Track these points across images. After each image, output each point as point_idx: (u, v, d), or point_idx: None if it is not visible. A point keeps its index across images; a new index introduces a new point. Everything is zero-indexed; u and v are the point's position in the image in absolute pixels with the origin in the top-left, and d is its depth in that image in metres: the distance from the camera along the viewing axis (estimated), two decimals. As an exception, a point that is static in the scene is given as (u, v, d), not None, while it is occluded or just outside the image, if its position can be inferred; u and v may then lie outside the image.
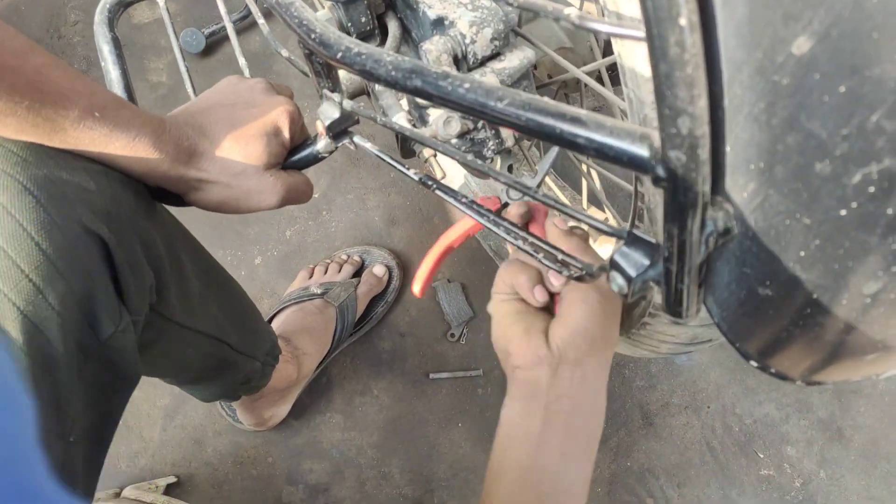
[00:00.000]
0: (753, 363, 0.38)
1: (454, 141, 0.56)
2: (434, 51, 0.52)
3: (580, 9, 0.67)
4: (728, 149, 0.29)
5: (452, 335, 1.05)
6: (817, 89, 0.25)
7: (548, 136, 0.32)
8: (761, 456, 1.00)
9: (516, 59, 0.54)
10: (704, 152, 0.28)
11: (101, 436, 0.51)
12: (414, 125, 0.59)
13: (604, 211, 0.80)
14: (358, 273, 1.05)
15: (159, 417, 1.02)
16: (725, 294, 0.35)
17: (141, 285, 0.48)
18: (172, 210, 0.58)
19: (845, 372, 0.36)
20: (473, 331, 1.06)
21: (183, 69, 0.68)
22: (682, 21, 0.25)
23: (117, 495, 0.88)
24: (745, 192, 0.30)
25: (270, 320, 0.99)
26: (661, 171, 0.29)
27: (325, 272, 1.03)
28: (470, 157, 0.49)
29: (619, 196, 1.09)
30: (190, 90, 0.67)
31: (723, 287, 0.35)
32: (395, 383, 1.04)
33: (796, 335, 0.34)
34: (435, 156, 0.73)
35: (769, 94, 0.26)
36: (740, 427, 1.01)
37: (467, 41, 0.52)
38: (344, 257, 1.06)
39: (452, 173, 0.97)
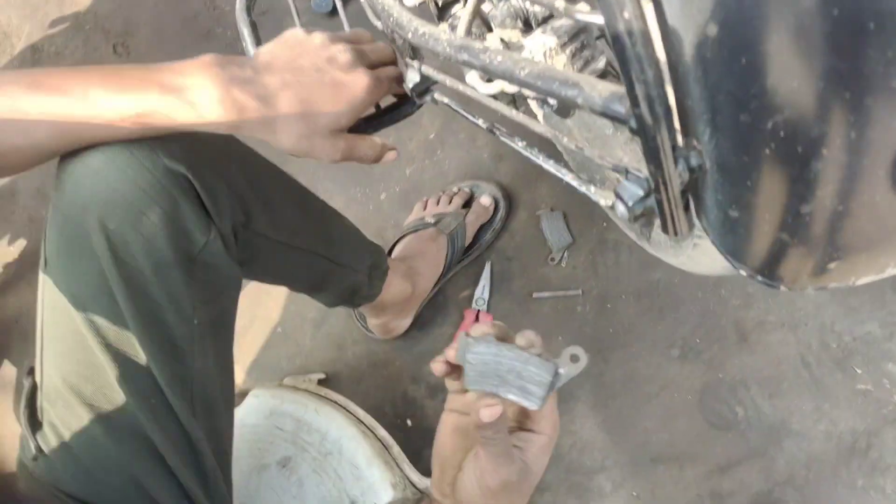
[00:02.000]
0: (742, 272, 0.46)
1: (526, 92, 0.66)
2: (499, 15, 0.61)
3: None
4: (689, 102, 0.38)
5: (553, 259, 1.15)
6: (728, 61, 0.32)
7: (555, 97, 0.42)
8: (859, 371, 1.02)
9: (572, 14, 0.62)
10: (661, 109, 0.37)
11: (222, 327, 0.66)
12: (488, 80, 0.69)
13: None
14: (468, 204, 1.18)
15: (309, 328, 1.24)
16: (711, 217, 0.43)
17: (221, 207, 0.61)
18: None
19: (817, 279, 0.43)
20: (573, 255, 1.16)
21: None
22: (626, 14, 0.34)
23: (279, 384, 1.11)
24: (705, 136, 0.38)
25: (392, 247, 1.15)
26: (633, 124, 0.38)
27: (438, 203, 1.17)
28: (538, 104, 0.59)
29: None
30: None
31: (709, 211, 0.43)
32: (503, 301, 1.17)
33: (765, 247, 0.41)
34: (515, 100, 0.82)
35: (702, 64, 0.34)
36: (838, 344, 1.03)
37: (527, 5, 0.61)
38: (455, 190, 1.18)
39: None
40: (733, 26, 0.31)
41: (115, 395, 0.56)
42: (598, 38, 0.65)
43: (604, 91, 0.39)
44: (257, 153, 0.71)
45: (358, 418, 0.93)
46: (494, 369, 0.48)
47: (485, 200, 1.16)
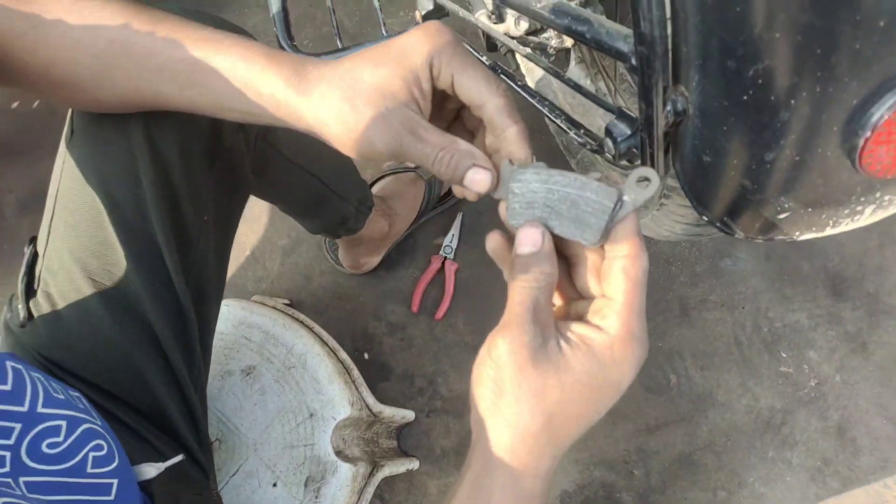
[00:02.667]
0: (705, 218, 0.52)
1: (529, 38, 0.70)
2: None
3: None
4: (685, 49, 0.42)
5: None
6: (725, 8, 0.37)
7: (565, 31, 0.46)
8: (784, 355, 1.11)
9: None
10: (661, 49, 0.41)
11: (227, 225, 0.69)
12: (495, 22, 0.73)
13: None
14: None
15: (278, 254, 1.27)
16: (685, 162, 0.49)
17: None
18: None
19: (767, 230, 0.49)
20: (542, 216, 1.21)
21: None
22: (645, -44, 0.38)
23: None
24: (693, 81, 0.43)
25: (372, 185, 1.18)
26: (634, 61, 0.43)
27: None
28: (536, 53, 0.63)
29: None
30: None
31: (684, 157, 0.49)
32: (470, 253, 1.22)
33: (728, 194, 0.47)
34: (512, 51, 0.86)
35: (702, 11, 0.39)
36: (769, 328, 1.13)
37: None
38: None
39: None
40: (735, -23, 0.36)
41: (120, 273, 0.57)
42: (601, -1, 0.70)
43: (611, 29, 0.44)
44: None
45: (322, 339, 0.97)
46: (544, 199, 0.39)
47: (465, 153, 1.20)
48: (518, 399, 0.37)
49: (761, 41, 0.37)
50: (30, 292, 0.60)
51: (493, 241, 0.44)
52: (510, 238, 0.43)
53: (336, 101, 0.43)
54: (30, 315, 0.59)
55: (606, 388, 0.38)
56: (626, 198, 0.38)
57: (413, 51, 0.42)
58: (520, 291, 0.39)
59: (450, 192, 1.21)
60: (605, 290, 0.39)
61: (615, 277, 0.39)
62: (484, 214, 1.24)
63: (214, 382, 0.91)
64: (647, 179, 0.37)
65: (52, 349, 0.58)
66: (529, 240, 0.40)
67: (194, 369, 0.63)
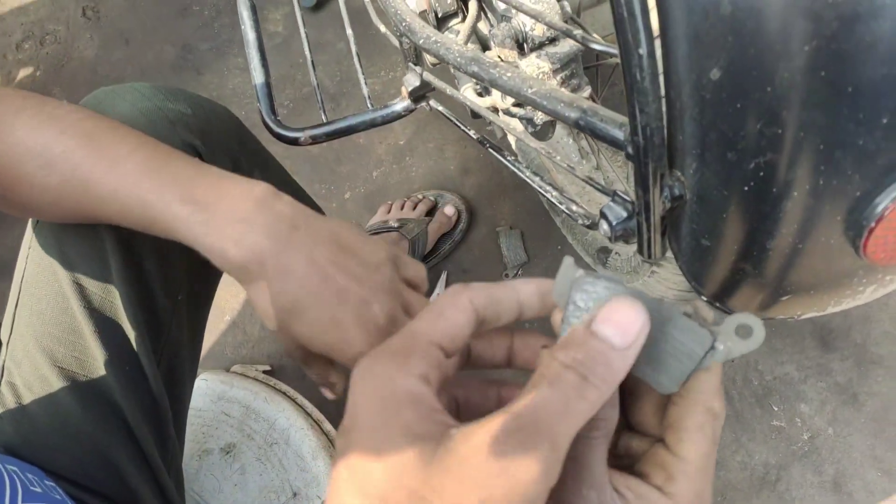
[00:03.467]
0: (703, 298, 0.51)
1: (514, 110, 0.70)
2: (500, 35, 0.65)
3: None
4: (681, 137, 0.42)
5: (507, 275, 1.19)
6: (725, 104, 0.37)
7: (558, 117, 0.46)
8: (775, 409, 1.10)
9: (567, 45, 0.66)
10: (658, 139, 0.41)
11: (201, 303, 0.67)
12: (480, 94, 0.73)
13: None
14: (431, 212, 1.21)
15: (258, 318, 1.24)
16: (683, 244, 0.48)
17: None
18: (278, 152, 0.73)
19: (767, 309, 0.48)
20: (527, 274, 1.20)
21: (300, 21, 0.81)
22: (641, 50, 0.38)
23: (227, 371, 1.10)
24: (691, 169, 0.42)
25: (354, 246, 1.16)
26: (630, 150, 0.42)
27: (402, 208, 1.19)
28: (522, 123, 0.63)
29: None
30: (306, 49, 0.82)
31: (682, 239, 0.48)
32: (455, 311, 1.20)
33: (727, 276, 0.46)
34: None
35: (700, 104, 0.38)
36: (760, 381, 1.12)
37: (527, 29, 0.65)
38: (420, 197, 1.21)
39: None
40: (735, 74, 0.35)
41: (89, 361, 0.55)
42: (586, 68, 0.70)
43: (606, 117, 0.43)
44: (255, 138, 0.73)
45: (306, 412, 0.93)
46: None
47: (448, 210, 1.19)
48: None
49: (762, 136, 0.36)
50: None
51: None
52: None
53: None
54: None
55: None
56: (719, 345, 0.30)
57: None
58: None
59: (434, 251, 1.20)
60: (674, 444, 0.31)
61: (691, 435, 0.30)
62: (469, 272, 1.23)
63: (192, 462, 0.87)
64: (750, 331, 0.30)
65: (19, 445, 0.56)
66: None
67: (168, 453, 0.61)
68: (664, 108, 0.41)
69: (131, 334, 0.55)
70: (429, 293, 1.21)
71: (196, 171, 0.45)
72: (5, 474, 0.44)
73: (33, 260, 0.55)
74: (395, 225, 1.15)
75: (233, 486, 0.85)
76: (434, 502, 0.24)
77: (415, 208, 1.19)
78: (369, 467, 0.25)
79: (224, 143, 0.63)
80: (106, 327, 0.55)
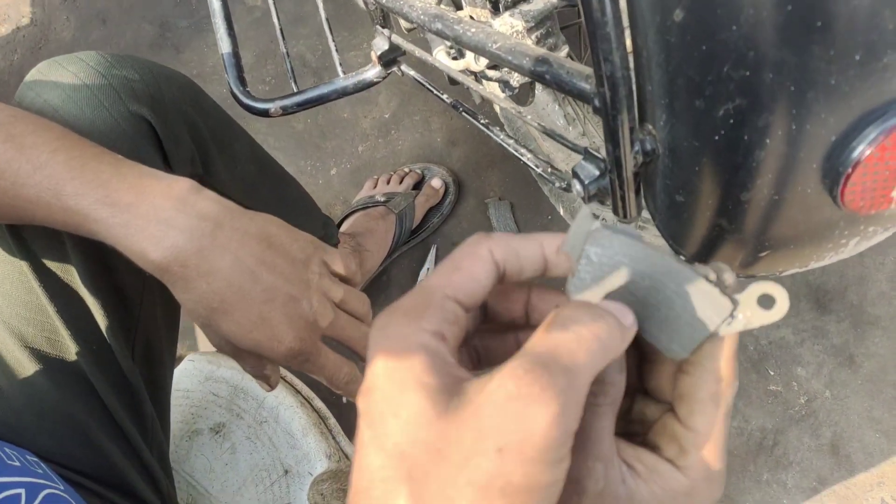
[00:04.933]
0: (682, 256, 0.49)
1: (490, 73, 0.67)
2: (471, -7, 0.63)
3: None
4: (650, 87, 0.40)
5: None
6: (690, 46, 0.35)
7: (524, 72, 0.44)
8: (771, 373, 1.09)
9: (541, 2, 0.64)
10: (624, 90, 0.39)
11: None
12: (455, 58, 0.70)
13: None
14: (418, 186, 1.19)
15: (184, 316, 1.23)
16: (658, 202, 0.46)
17: (181, 154, 0.60)
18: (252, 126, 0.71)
19: (748, 267, 0.46)
20: (518, 244, 1.19)
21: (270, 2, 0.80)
22: (601, -6, 0.35)
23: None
24: (661, 121, 0.40)
25: (341, 223, 1.15)
26: (597, 102, 0.40)
27: (388, 182, 1.17)
28: (500, 87, 0.61)
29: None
30: (274, 16, 0.78)
31: (656, 196, 0.46)
32: (446, 285, 1.19)
33: (704, 233, 0.44)
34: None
35: (665, 49, 0.36)
36: (755, 346, 1.10)
37: (499, -14, 0.62)
38: (406, 170, 1.19)
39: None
40: (698, 13, 0.33)
41: (59, 340, 0.55)
42: (562, 28, 0.68)
43: (572, 69, 0.41)
44: (217, 104, 0.70)
45: (295, 389, 0.92)
46: (629, 280, 0.29)
47: (435, 183, 1.17)
48: None
49: (730, 80, 0.34)
50: None
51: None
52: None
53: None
54: None
55: None
56: (738, 315, 0.28)
57: None
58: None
59: (422, 225, 1.18)
60: (686, 417, 0.29)
61: (702, 406, 0.29)
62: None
63: (182, 444, 0.86)
64: (772, 300, 0.27)
65: None
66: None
67: (146, 428, 0.60)
68: (631, 59, 0.39)
69: (96, 312, 0.55)
70: (419, 266, 1.20)
71: (116, 170, 0.44)
72: None
73: None
74: (382, 199, 1.14)
75: (224, 466, 0.85)
76: (452, 454, 0.24)
77: (401, 182, 1.17)
78: (387, 425, 0.25)
79: (178, 108, 0.61)
80: (69, 306, 0.54)
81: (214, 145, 0.66)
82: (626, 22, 0.38)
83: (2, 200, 0.45)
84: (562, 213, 1.04)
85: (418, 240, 1.19)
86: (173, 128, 0.59)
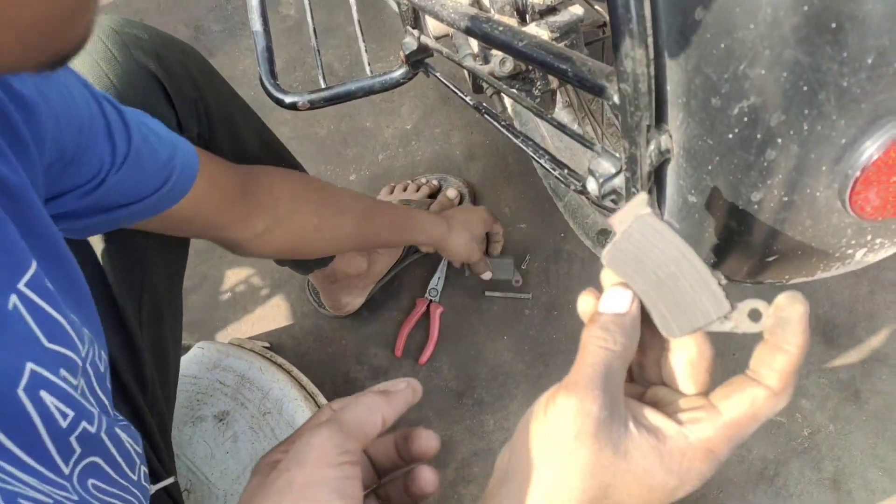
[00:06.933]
0: (692, 259, 0.50)
1: (513, 81, 0.69)
2: (500, 1, 0.65)
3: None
4: (668, 87, 0.41)
5: (517, 281, 1.17)
6: (709, 44, 0.36)
7: (547, 69, 0.46)
8: (776, 404, 1.08)
9: (567, 15, 0.66)
10: (644, 87, 0.40)
11: (179, 239, 0.67)
12: (480, 63, 0.72)
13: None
14: (433, 196, 1.21)
15: (259, 296, 1.24)
16: (671, 203, 0.47)
17: (189, 113, 0.63)
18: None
19: (755, 273, 0.47)
20: (529, 260, 1.20)
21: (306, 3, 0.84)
22: (626, -8, 0.37)
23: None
24: (677, 120, 0.42)
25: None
26: (616, 99, 0.42)
27: (405, 190, 1.19)
28: (520, 92, 0.63)
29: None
30: (310, 19, 0.82)
31: (669, 197, 0.47)
32: (456, 295, 1.20)
33: (715, 235, 0.46)
34: (498, 93, 0.86)
35: (685, 47, 0.38)
36: (761, 376, 1.10)
37: (528, -3, 0.65)
38: (423, 180, 1.21)
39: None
40: (717, 12, 0.35)
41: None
42: (587, 43, 0.70)
43: (594, 67, 0.43)
44: (226, 82, 0.73)
45: (300, 384, 0.93)
46: (656, 263, 0.34)
47: (451, 193, 1.19)
48: (563, 471, 0.32)
49: (746, 78, 0.36)
50: None
51: (585, 302, 0.38)
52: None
53: None
54: None
55: (657, 492, 0.33)
56: (731, 318, 0.34)
57: None
58: (594, 351, 0.34)
59: (436, 233, 1.20)
60: (718, 399, 0.35)
61: (741, 398, 0.34)
62: (470, 257, 1.22)
63: (185, 429, 0.87)
64: (758, 316, 0.34)
65: None
66: (616, 302, 0.36)
67: (147, 390, 0.62)
68: (651, 57, 0.40)
69: (105, 266, 0.57)
70: (430, 275, 1.21)
71: (418, 220, 0.95)
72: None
73: None
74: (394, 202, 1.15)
75: (225, 453, 0.85)
76: None
77: (418, 190, 1.19)
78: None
79: (185, 70, 0.65)
80: (85, 264, 0.56)
81: (218, 110, 0.68)
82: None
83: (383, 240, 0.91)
84: (573, 228, 1.06)
85: (431, 249, 1.21)
86: (180, 85, 0.63)
